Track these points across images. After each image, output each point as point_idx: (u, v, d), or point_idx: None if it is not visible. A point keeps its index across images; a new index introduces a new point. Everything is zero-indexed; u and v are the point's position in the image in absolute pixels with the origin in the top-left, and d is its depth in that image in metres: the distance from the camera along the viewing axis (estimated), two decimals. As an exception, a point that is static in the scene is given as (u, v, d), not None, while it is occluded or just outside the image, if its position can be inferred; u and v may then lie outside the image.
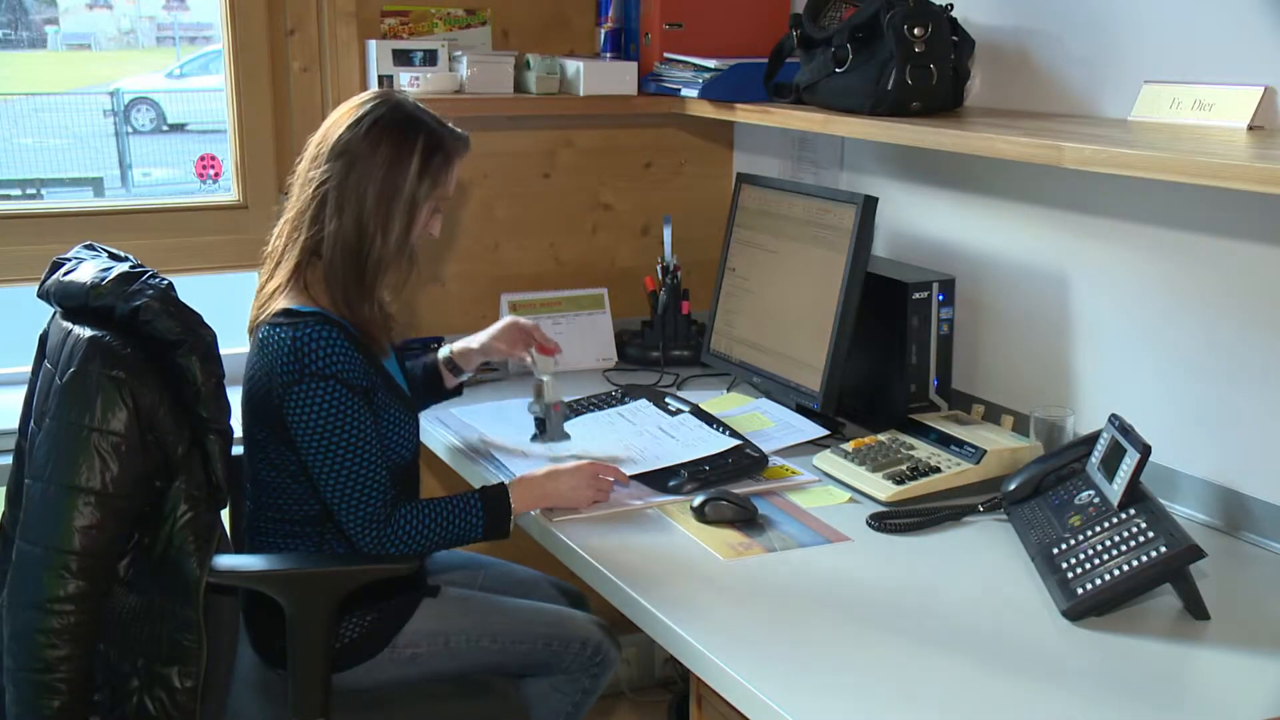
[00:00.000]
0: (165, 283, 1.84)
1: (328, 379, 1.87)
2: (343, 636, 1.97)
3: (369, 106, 1.97)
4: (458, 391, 2.38)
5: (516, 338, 2.30)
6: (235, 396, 1.95)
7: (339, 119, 1.98)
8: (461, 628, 2.04)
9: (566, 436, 2.25)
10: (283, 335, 1.88)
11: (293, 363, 1.87)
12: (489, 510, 1.95)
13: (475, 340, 2.32)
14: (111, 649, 1.79)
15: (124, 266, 1.85)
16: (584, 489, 2.00)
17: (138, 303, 1.78)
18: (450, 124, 2.02)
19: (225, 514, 1.98)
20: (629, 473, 2.05)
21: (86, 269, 1.86)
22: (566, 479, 2.00)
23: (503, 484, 1.99)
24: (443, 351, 2.33)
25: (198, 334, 1.82)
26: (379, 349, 2.02)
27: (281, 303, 1.94)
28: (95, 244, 1.99)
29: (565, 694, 2.14)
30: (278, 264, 2.00)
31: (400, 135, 1.95)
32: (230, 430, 1.89)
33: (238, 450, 2.00)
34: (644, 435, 2.20)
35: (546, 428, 2.25)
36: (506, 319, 2.34)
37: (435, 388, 2.33)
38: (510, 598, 2.18)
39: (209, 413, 1.83)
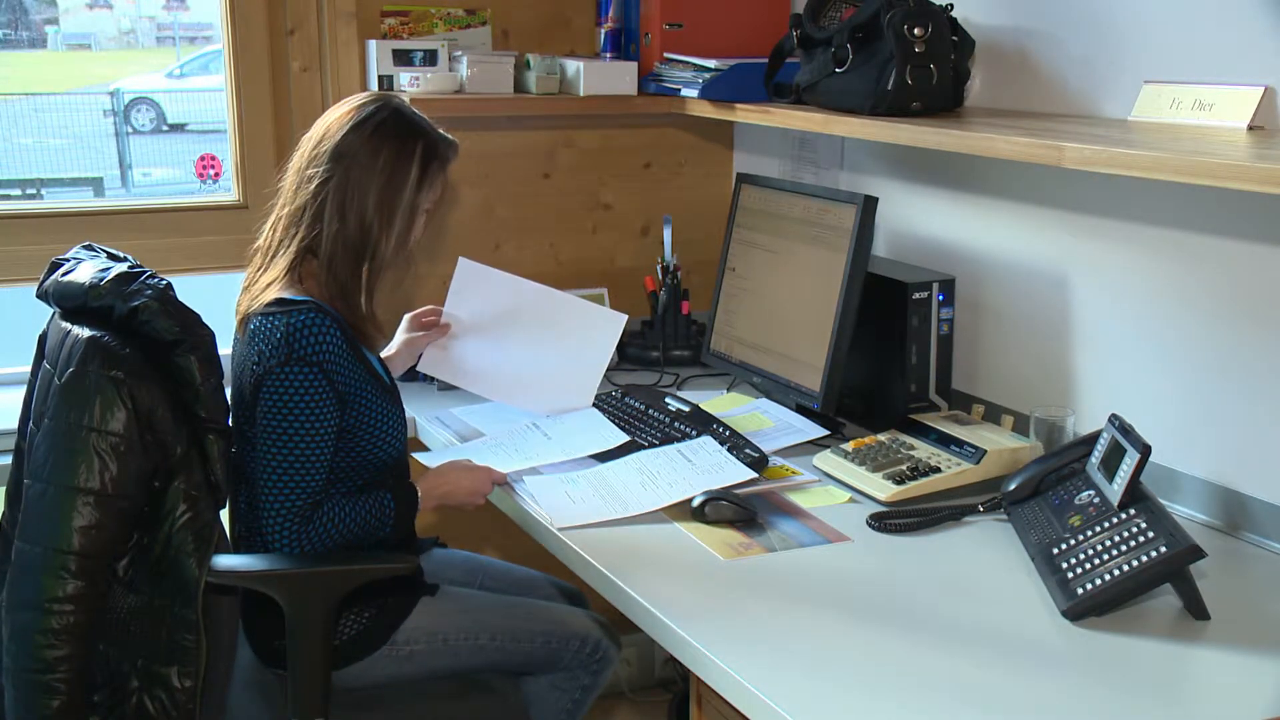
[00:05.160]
0: (164, 283, 1.84)
1: (313, 365, 1.88)
2: (341, 634, 1.97)
3: (370, 110, 1.98)
4: None
5: (414, 325, 2.41)
6: (231, 396, 1.95)
7: (337, 119, 1.99)
8: (460, 625, 2.04)
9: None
10: (276, 323, 1.89)
11: (283, 347, 1.87)
12: (400, 511, 1.99)
13: (390, 349, 2.38)
14: (111, 649, 1.79)
15: (122, 267, 1.85)
16: (474, 491, 2.08)
17: (136, 303, 1.78)
18: (440, 129, 2.04)
19: (225, 514, 1.98)
20: (655, 506, 2.00)
21: (85, 269, 1.86)
22: (464, 481, 2.08)
23: (413, 486, 2.03)
24: None
25: (196, 334, 1.82)
26: (369, 343, 2.04)
27: (274, 294, 1.94)
28: (94, 244, 1.99)
29: (565, 691, 2.14)
30: (271, 259, 2.01)
31: (401, 142, 1.97)
32: (229, 430, 1.89)
33: None
34: (660, 458, 2.16)
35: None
36: (404, 319, 2.42)
37: None
38: (509, 596, 2.18)
39: (208, 412, 1.83)
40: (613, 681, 3.09)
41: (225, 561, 1.85)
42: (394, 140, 1.97)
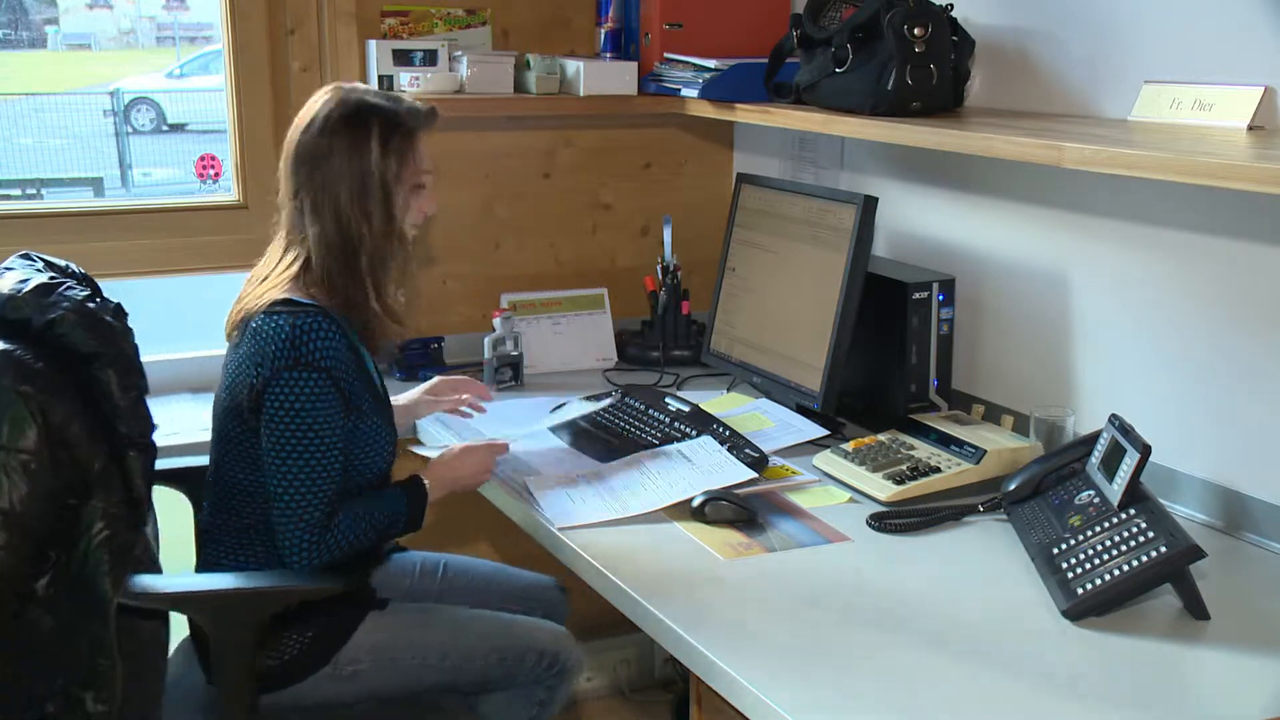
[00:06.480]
0: (84, 294, 1.76)
1: (320, 370, 1.85)
2: (281, 654, 1.90)
3: (318, 107, 1.96)
4: None
5: (444, 389, 2.33)
6: (195, 404, 1.87)
7: (295, 124, 1.98)
8: (410, 642, 1.98)
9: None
10: (280, 323, 1.86)
11: (289, 349, 1.84)
12: (411, 505, 1.98)
13: (403, 399, 2.29)
14: (30, 671, 1.69)
15: (43, 277, 1.77)
16: (480, 469, 2.08)
17: (53, 315, 1.71)
18: (408, 101, 2.00)
19: (191, 532, 1.92)
20: (655, 506, 1.99)
21: (7, 280, 1.78)
22: (468, 461, 2.07)
23: (419, 478, 2.01)
24: None
25: (116, 347, 1.74)
26: (373, 349, 2.02)
27: (279, 295, 1.91)
28: (31, 253, 1.89)
29: (521, 708, 2.09)
30: (272, 272, 1.98)
31: (352, 126, 1.93)
32: (152, 445, 1.80)
33: (179, 462, 1.95)
34: (660, 458, 2.15)
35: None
36: (435, 379, 2.35)
37: None
38: (465, 609, 2.12)
39: (128, 428, 1.75)
40: (613, 681, 3.09)
41: (142, 582, 1.78)
42: (345, 129, 1.93)
